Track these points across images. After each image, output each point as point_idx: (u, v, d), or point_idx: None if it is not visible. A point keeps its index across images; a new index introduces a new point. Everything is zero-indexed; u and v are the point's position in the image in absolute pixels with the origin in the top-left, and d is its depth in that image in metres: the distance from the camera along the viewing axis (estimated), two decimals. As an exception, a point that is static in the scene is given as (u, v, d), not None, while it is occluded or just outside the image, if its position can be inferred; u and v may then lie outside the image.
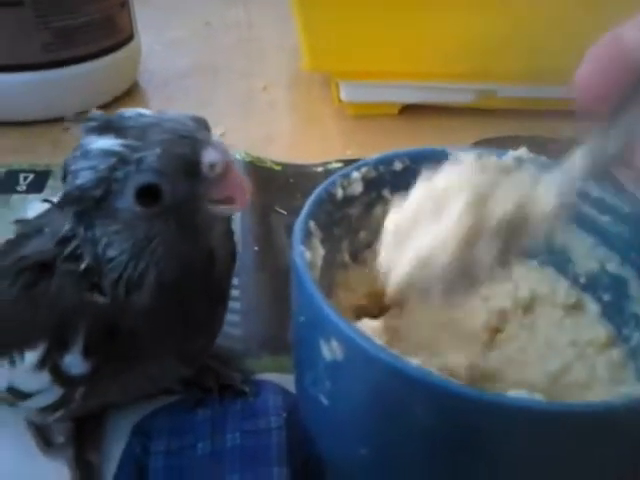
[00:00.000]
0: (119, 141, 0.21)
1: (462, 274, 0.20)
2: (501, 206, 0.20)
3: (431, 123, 0.51)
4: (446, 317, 0.26)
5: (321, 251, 0.24)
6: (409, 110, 0.52)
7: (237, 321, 0.31)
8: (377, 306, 0.27)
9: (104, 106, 0.50)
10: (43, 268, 0.23)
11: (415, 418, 0.18)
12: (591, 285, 0.26)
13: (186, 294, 0.23)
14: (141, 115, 0.22)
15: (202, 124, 0.22)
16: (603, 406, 0.18)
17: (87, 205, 0.21)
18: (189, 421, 0.26)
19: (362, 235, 0.28)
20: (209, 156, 0.21)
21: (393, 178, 0.27)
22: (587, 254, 0.26)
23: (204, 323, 0.25)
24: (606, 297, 0.26)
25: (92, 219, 0.21)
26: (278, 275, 0.35)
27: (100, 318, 0.22)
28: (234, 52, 0.64)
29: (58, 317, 0.22)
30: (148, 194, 0.21)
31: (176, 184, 0.21)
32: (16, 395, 0.24)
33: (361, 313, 0.26)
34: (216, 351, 0.28)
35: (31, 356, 0.23)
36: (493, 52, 0.48)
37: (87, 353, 0.22)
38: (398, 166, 0.27)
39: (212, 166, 0.21)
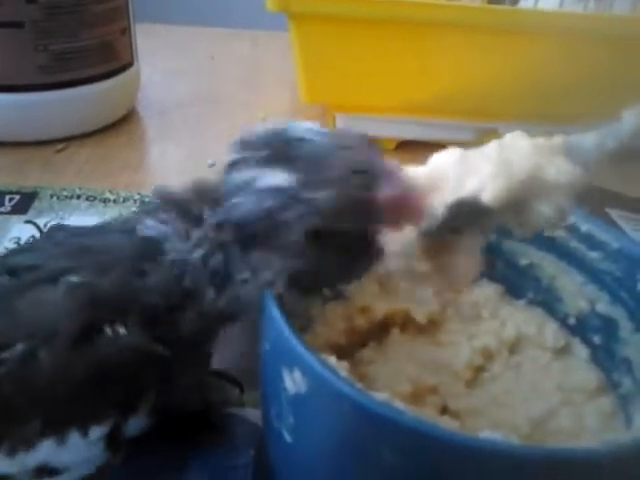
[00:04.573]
0: (290, 177, 0.20)
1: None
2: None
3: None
4: (427, 354, 0.25)
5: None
6: (406, 145, 0.51)
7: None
8: (356, 345, 0.26)
9: (99, 131, 0.50)
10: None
11: (381, 458, 0.17)
12: (581, 326, 0.25)
13: None
14: (311, 140, 0.21)
15: (372, 147, 0.21)
16: (584, 453, 0.16)
17: (249, 235, 0.21)
18: (152, 455, 0.25)
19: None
20: (384, 192, 0.20)
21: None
22: (577, 292, 0.25)
23: None
24: (596, 340, 0.24)
25: (250, 248, 0.21)
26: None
27: (167, 374, 0.21)
28: (235, 84, 0.64)
29: (128, 384, 0.20)
30: (317, 233, 0.20)
31: (348, 223, 0.20)
32: (41, 473, 0.20)
33: (339, 353, 0.25)
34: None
35: (96, 431, 0.20)
36: (494, 91, 0.47)
37: (152, 412, 0.21)
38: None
39: (387, 200, 0.20)
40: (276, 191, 0.20)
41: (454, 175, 0.20)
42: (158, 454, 0.25)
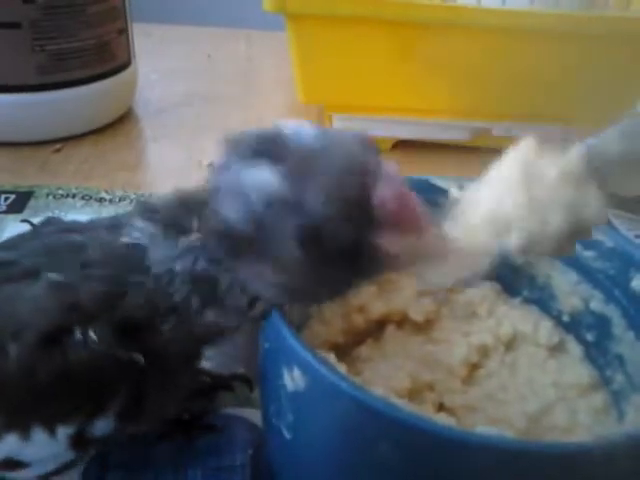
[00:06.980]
0: (277, 176, 0.18)
1: None
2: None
3: (425, 158, 0.50)
4: (423, 351, 0.25)
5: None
6: (403, 145, 0.51)
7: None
8: (354, 344, 0.26)
9: (96, 131, 0.50)
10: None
11: (379, 453, 0.17)
12: (575, 324, 0.25)
13: None
14: (302, 137, 0.19)
15: (370, 147, 0.19)
16: (577, 448, 0.16)
17: (235, 243, 0.19)
18: (149, 455, 0.25)
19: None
20: (380, 194, 0.18)
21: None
22: (571, 291, 0.25)
23: None
24: (589, 337, 0.25)
25: (238, 258, 0.20)
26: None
27: (140, 381, 0.20)
28: (232, 84, 0.64)
29: (94, 388, 0.20)
30: (310, 238, 0.18)
31: (342, 227, 0.18)
32: (8, 466, 0.20)
33: (337, 351, 0.25)
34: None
35: (62, 431, 0.20)
36: (489, 90, 0.48)
37: (121, 416, 0.20)
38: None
39: (384, 203, 0.19)
40: (262, 191, 0.18)
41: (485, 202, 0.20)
42: (156, 455, 0.25)
